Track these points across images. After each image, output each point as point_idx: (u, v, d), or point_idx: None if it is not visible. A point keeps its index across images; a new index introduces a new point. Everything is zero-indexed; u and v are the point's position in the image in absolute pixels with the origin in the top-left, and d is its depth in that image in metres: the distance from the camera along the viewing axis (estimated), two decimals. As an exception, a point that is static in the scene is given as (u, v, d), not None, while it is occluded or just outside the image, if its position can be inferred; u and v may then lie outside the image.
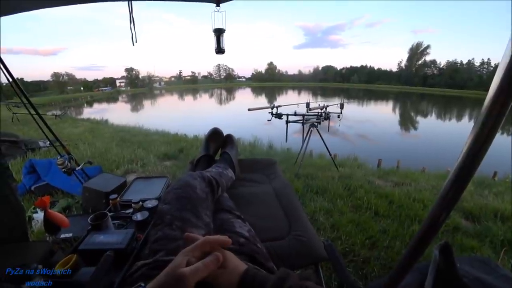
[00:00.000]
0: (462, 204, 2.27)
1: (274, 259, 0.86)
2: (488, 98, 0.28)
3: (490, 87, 0.28)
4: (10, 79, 1.67)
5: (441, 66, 67.08)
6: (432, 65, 68.98)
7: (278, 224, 1.10)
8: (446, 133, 11.74)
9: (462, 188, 0.32)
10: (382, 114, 19.25)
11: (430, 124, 15.25)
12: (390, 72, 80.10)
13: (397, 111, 22.46)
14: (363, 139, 8.53)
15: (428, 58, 70.56)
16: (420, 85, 63.67)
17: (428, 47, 70.09)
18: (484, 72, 56.63)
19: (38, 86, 67.24)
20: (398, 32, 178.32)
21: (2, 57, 1.60)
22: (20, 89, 1.75)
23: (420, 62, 70.83)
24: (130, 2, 1.65)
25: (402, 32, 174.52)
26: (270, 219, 1.13)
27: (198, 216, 0.81)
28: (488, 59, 58.07)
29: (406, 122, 15.65)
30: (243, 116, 10.83)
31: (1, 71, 1.60)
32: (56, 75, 65.48)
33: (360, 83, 78.95)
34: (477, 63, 60.21)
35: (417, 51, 70.93)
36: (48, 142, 2.31)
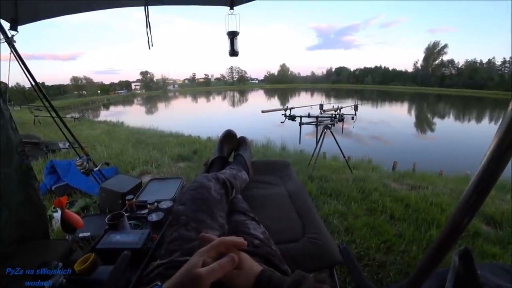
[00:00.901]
0: (483, 208, 2.18)
1: (288, 261, 0.86)
2: None
3: None
4: (34, 84, 1.75)
5: (459, 66, 64.87)
6: (450, 65, 66.83)
7: (292, 226, 1.09)
8: (465, 135, 11.35)
9: (486, 192, 0.31)
10: (397, 115, 18.82)
11: (447, 126, 14.76)
12: (406, 72, 78.15)
13: (413, 112, 21.90)
14: (377, 141, 8.37)
15: (445, 57, 68.59)
16: (437, 85, 61.78)
17: (445, 46, 68.20)
18: (506, 71, 54.09)
19: (58, 90, 69.78)
20: (414, 31, 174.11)
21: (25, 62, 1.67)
22: (43, 93, 1.83)
23: (437, 62, 68.85)
24: (146, 7, 1.69)
25: (418, 32, 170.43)
26: (284, 221, 1.13)
27: (213, 217, 0.82)
28: (511, 57, 55.58)
29: (422, 124, 15.23)
30: (256, 118, 10.86)
31: (26, 76, 1.67)
32: (74, 79, 67.79)
33: (374, 84, 77.50)
34: (498, 62, 57.74)
35: (433, 51, 68.99)
36: (68, 144, 2.39)
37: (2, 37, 1.40)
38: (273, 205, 1.25)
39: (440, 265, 0.39)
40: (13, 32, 1.47)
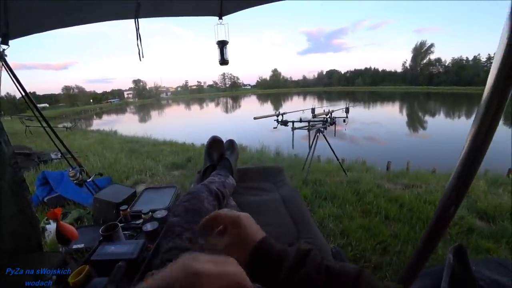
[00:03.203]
0: (476, 204, 2.22)
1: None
2: (485, 93, 0.29)
3: (487, 82, 0.29)
4: (24, 94, 1.74)
5: (446, 64, 66.28)
6: (437, 64, 68.24)
7: (287, 231, 1.10)
8: (456, 131, 11.52)
9: (469, 180, 0.33)
10: (389, 115, 19.06)
11: (439, 123, 14.99)
12: (395, 73, 79.39)
13: (404, 111, 22.19)
14: (371, 142, 8.45)
15: (432, 56, 69.96)
16: (426, 84, 62.89)
17: (432, 45, 69.54)
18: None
19: (50, 99, 69.13)
20: (402, 32, 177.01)
21: (16, 72, 1.67)
22: (33, 103, 1.82)
23: (424, 61, 70.17)
24: (136, 19, 1.71)
25: (405, 32, 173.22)
26: (279, 226, 1.14)
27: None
28: (494, 53, 56.76)
29: (414, 122, 15.44)
30: (249, 124, 10.87)
31: (16, 87, 1.67)
32: (66, 88, 66.98)
33: (365, 85, 78.49)
34: (483, 58, 59.28)
35: (421, 50, 70.33)
36: (60, 154, 2.36)
37: None
38: (268, 211, 1.26)
39: (436, 263, 0.40)
40: (4, 46, 1.48)
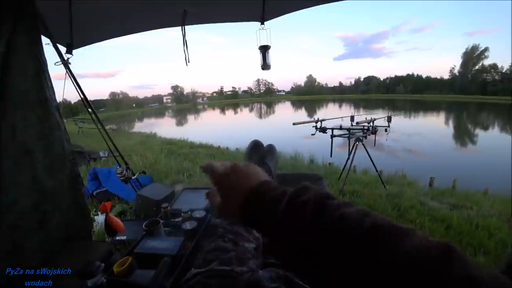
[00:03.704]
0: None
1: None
2: None
3: None
4: (84, 99, 1.92)
5: (503, 71, 59.96)
6: (492, 70, 61.83)
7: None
8: (513, 148, 10.36)
9: None
10: (433, 126, 17.71)
11: (492, 138, 13.56)
12: (441, 80, 73.95)
13: (451, 123, 20.51)
14: (411, 154, 7.92)
15: (486, 62, 63.62)
16: (479, 93, 57.25)
17: (486, 49, 63.35)
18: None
19: (98, 104, 75.59)
20: (450, 35, 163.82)
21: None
22: (91, 107, 2.00)
23: (477, 67, 64.21)
24: (183, 27, 1.81)
25: (454, 35, 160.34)
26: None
27: (248, 230, 0.85)
28: None
29: (462, 136, 14.14)
30: (283, 130, 10.85)
31: (78, 93, 1.84)
32: (113, 94, 73.02)
33: (407, 93, 74.14)
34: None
35: (472, 55, 64.37)
36: (107, 153, 2.56)
37: (59, 59, 1.57)
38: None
39: None
40: (69, 55, 1.65)
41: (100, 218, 1.91)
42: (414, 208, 2.35)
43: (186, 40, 1.84)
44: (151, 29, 2.07)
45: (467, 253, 1.32)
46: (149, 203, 1.94)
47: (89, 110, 1.95)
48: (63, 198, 1.32)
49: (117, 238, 1.60)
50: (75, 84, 1.69)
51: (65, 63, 1.59)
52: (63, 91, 1.70)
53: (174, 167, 3.73)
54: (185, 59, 1.83)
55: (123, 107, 66.56)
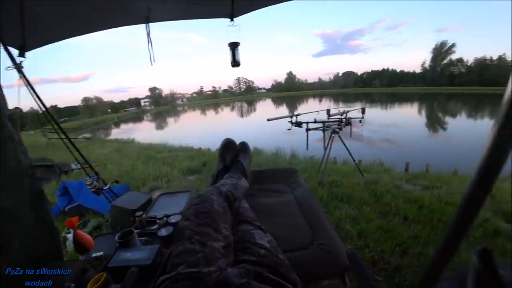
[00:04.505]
0: (502, 206, 2.10)
1: (298, 269, 0.86)
2: (507, 91, 0.28)
3: (508, 82, 0.27)
4: (42, 107, 1.78)
5: (469, 64, 63.62)
6: (459, 64, 65.49)
7: (301, 233, 1.09)
8: (479, 132, 11.01)
9: (491, 179, 0.31)
10: (408, 116, 18.47)
11: (460, 125, 14.38)
12: (414, 73, 77.03)
13: (423, 112, 21.46)
14: (388, 143, 8.21)
15: (454, 56, 67.19)
16: (447, 85, 60.42)
17: (453, 45, 66.94)
18: (519, 66, 52.53)
19: (71, 111, 72.07)
20: (422, 32, 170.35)
21: (35, 87, 1.69)
22: (51, 116, 1.87)
23: (445, 61, 67.61)
24: (147, 24, 1.77)
25: (425, 32, 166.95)
26: (293, 229, 1.13)
27: (217, 229, 0.84)
28: (516, 52, 54.00)
29: (434, 124, 14.88)
30: (265, 127, 10.87)
31: (35, 100, 1.72)
32: (85, 99, 69.67)
33: (382, 86, 76.70)
34: (509, 57, 56.33)
35: (441, 50, 67.84)
36: (79, 164, 2.43)
37: (11, 64, 1.46)
38: (282, 213, 1.25)
39: (459, 266, 0.38)
40: (21, 59, 1.53)
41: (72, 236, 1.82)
42: (390, 192, 2.44)
43: (150, 39, 1.79)
44: (114, 27, 1.95)
45: (438, 228, 1.39)
46: (124, 213, 1.81)
47: (48, 117, 1.80)
48: (24, 216, 1.20)
49: (93, 255, 1.52)
50: (31, 90, 1.57)
51: (18, 68, 1.48)
52: (18, 98, 1.56)
53: (152, 173, 3.64)
54: (150, 58, 1.78)
55: (97, 113, 63.85)
